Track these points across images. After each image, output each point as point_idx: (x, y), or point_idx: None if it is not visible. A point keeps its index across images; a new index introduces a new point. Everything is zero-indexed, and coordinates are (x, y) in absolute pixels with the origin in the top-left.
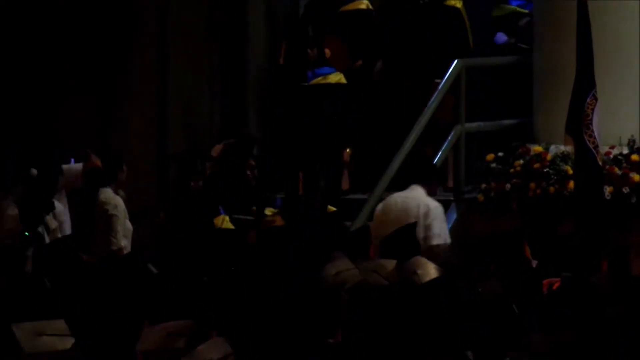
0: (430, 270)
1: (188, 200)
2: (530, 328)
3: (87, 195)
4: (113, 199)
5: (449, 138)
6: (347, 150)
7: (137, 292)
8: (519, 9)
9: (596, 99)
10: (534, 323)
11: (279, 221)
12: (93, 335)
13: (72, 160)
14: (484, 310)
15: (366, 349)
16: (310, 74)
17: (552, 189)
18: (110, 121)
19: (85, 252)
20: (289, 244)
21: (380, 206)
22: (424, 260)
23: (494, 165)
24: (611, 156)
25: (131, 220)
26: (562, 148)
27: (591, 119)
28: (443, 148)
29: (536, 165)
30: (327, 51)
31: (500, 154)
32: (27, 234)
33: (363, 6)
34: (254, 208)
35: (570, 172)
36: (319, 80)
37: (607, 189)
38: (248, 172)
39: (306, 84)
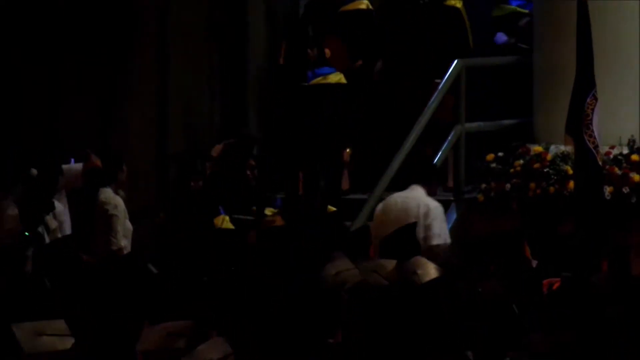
0: (430, 270)
1: (188, 200)
2: (530, 328)
3: (87, 195)
4: (113, 199)
5: (449, 138)
6: (347, 150)
7: (137, 292)
8: (519, 9)
9: (596, 99)
10: (534, 323)
11: (279, 221)
12: (93, 335)
13: (72, 160)
14: (484, 310)
15: (366, 349)
16: (310, 74)
17: (552, 189)
18: (110, 121)
19: (85, 252)
20: (289, 244)
21: (380, 206)
22: (424, 260)
23: (494, 165)
24: (611, 156)
25: (131, 220)
26: (562, 148)
27: (591, 119)
28: (443, 148)
29: (536, 165)
30: (327, 51)
31: (500, 154)
32: (27, 234)
33: (363, 6)
34: (254, 208)
35: (570, 172)
36: (319, 80)
37: (607, 189)
38: (248, 172)
39: (306, 84)
